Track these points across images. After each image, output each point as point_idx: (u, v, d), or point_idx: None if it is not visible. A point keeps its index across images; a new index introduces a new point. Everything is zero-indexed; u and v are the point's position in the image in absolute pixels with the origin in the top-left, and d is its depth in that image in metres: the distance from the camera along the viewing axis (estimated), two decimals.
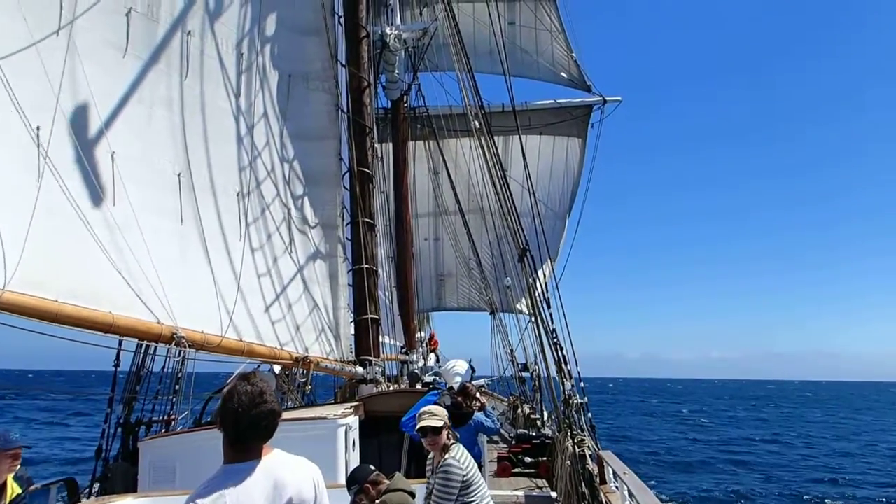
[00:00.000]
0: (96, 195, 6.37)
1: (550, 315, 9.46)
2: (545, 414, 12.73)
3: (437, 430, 4.02)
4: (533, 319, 9.40)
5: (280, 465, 2.31)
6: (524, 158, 13.27)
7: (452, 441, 4.10)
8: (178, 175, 7.34)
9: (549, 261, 18.82)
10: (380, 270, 9.89)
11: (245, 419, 2.24)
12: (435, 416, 4.07)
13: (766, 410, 62.92)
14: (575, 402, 8.17)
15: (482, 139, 10.54)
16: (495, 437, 11.00)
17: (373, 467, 4.01)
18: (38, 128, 6.00)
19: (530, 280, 9.68)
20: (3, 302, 5.05)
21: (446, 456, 3.98)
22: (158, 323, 6.54)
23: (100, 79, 6.65)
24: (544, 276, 11.07)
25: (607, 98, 20.68)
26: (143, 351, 7.02)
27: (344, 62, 9.52)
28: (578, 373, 9.18)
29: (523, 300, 11.81)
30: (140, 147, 6.94)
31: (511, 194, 10.43)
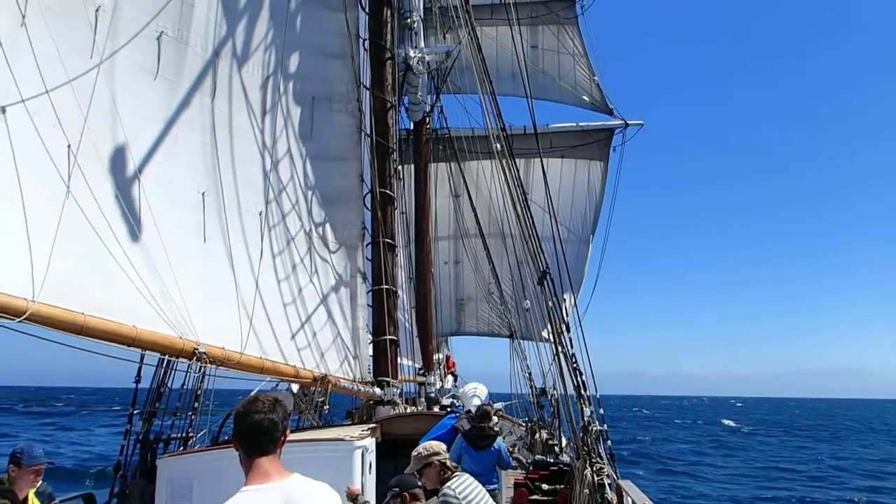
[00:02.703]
0: (122, 212, 6.49)
1: (570, 339, 9.39)
2: (563, 440, 12.56)
3: (420, 471, 4.26)
4: (552, 344, 9.33)
5: (298, 490, 2.30)
6: (545, 181, 13.27)
7: (453, 472, 4.15)
8: (203, 194, 7.46)
9: (570, 286, 18.74)
10: (399, 292, 9.90)
11: (241, 424, 2.32)
12: (419, 457, 4.27)
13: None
14: (594, 429, 8.05)
15: (504, 162, 10.56)
16: (513, 462, 10.88)
17: (420, 483, 4.08)
18: (68, 146, 6.15)
19: (550, 303, 9.61)
20: (34, 314, 5.14)
21: (444, 486, 4.00)
22: (180, 338, 6.61)
23: (130, 99, 6.81)
24: (565, 300, 10.98)
25: (629, 122, 20.66)
26: (164, 366, 7.10)
27: (367, 85, 9.65)
28: (598, 399, 9.07)
29: (543, 325, 11.72)
30: (166, 166, 7.07)
31: (532, 217, 10.42)
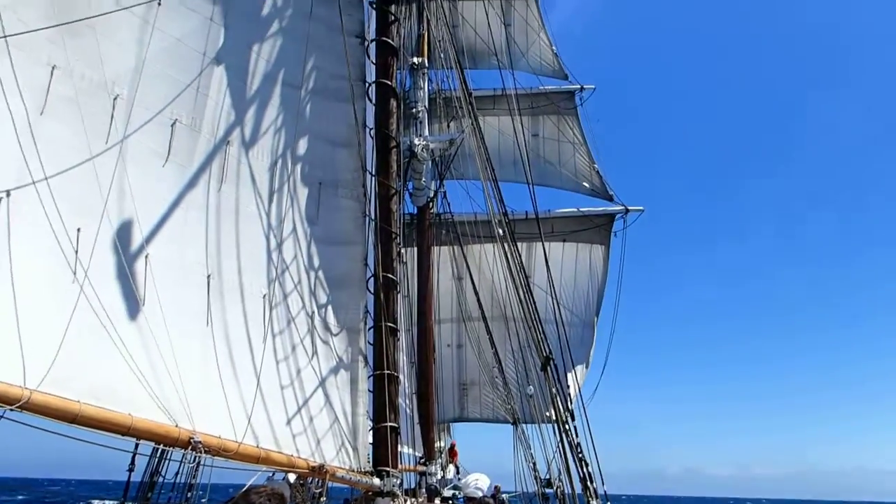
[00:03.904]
0: (127, 296, 6.51)
1: (575, 428, 9.18)
2: None
3: None
4: (556, 432, 9.12)
5: None
6: (547, 266, 13.35)
7: None
8: (208, 277, 7.49)
9: (573, 370, 18.47)
10: (401, 377, 9.75)
11: None
12: None
13: None
14: None
15: (506, 246, 10.66)
16: None
17: None
18: (78, 229, 6.24)
19: (553, 390, 9.46)
20: (30, 402, 5.05)
21: None
22: (176, 426, 6.46)
23: (141, 184, 6.97)
24: (569, 386, 10.82)
25: (629, 207, 21.01)
26: (157, 455, 6.91)
27: (373, 171, 9.87)
28: (605, 491, 8.77)
29: (546, 408, 11.47)
30: (174, 249, 7.14)
31: (534, 302, 10.40)
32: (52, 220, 5.95)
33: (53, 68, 6.30)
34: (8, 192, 5.75)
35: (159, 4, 7.12)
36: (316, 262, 8.97)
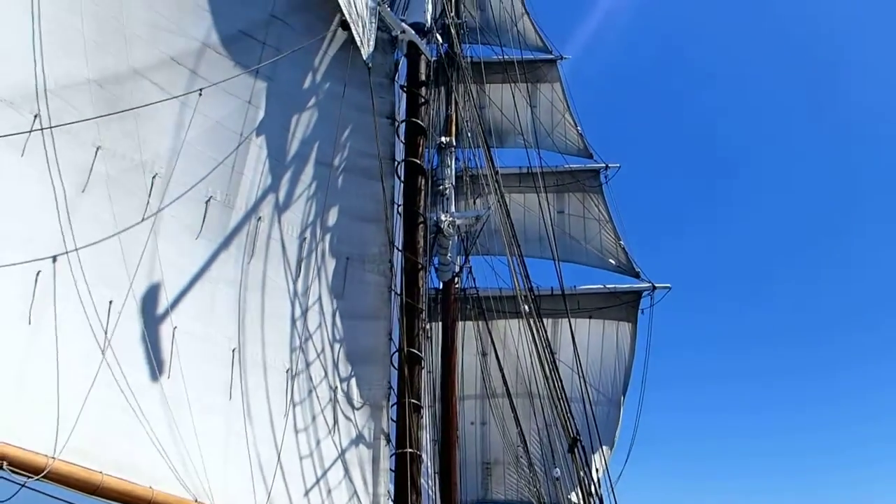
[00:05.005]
0: (153, 369, 6.59)
1: None
2: None
3: None
4: None
5: None
6: (574, 343, 13.18)
7: None
8: (233, 351, 7.55)
9: (601, 451, 17.89)
10: (423, 455, 9.54)
11: None
12: None
13: None
14: None
15: (532, 322, 10.59)
16: None
17: None
18: (110, 302, 6.40)
19: (581, 473, 9.16)
20: (52, 471, 5.08)
21: None
22: (195, 500, 6.40)
23: (172, 259, 7.17)
24: (597, 469, 10.48)
25: (657, 285, 20.82)
26: None
27: (400, 247, 10.01)
28: None
29: (573, 494, 11.06)
30: (201, 323, 7.25)
31: (560, 380, 10.22)
32: (83, 293, 6.12)
33: (98, 149, 6.64)
34: (54, 258, 5.98)
35: (200, 94, 7.50)
36: (340, 336, 9.00)
